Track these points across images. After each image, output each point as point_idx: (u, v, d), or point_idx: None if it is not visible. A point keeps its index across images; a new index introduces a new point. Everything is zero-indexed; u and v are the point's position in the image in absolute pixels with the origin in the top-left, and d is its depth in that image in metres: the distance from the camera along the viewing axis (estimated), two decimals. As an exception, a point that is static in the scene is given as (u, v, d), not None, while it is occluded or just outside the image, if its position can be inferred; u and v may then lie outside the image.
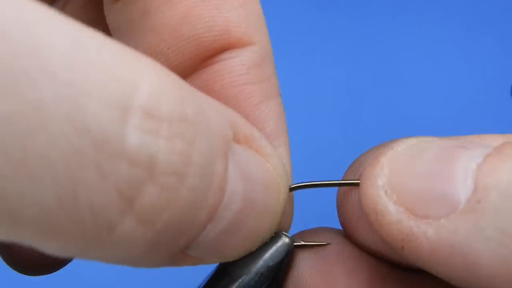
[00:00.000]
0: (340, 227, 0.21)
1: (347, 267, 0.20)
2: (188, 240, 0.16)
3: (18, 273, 0.23)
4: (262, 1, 0.22)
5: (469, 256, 0.14)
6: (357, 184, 0.19)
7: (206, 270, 0.21)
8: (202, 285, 0.20)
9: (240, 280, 0.19)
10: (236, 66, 0.20)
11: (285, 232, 0.20)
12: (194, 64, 0.20)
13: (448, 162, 0.16)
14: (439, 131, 0.48)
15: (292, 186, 0.20)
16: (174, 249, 0.16)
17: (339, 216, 0.21)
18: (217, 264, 0.20)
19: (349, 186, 0.20)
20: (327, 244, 0.20)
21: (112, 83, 0.12)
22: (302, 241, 0.20)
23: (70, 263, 0.23)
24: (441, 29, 0.51)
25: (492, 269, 0.14)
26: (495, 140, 0.16)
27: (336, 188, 0.21)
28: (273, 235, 0.20)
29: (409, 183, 0.16)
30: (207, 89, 0.20)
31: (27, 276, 0.23)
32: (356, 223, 0.20)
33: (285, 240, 0.20)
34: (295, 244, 0.20)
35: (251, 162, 0.17)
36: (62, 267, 0.24)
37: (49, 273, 0.23)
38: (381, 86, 0.48)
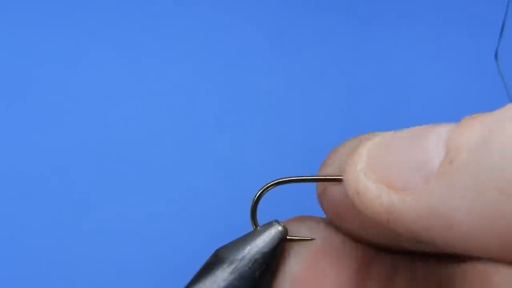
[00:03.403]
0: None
1: (334, 257, 0.20)
2: None
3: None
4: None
5: (447, 215, 0.15)
6: (339, 180, 0.19)
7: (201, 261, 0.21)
8: (197, 273, 0.20)
9: (234, 266, 0.20)
10: None
11: (277, 220, 0.21)
12: None
13: (421, 136, 0.17)
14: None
15: (273, 182, 0.21)
16: None
17: (322, 208, 0.21)
18: (213, 251, 0.21)
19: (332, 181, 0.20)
20: (312, 239, 0.21)
21: None
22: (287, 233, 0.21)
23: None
24: (442, 30, 0.51)
25: (470, 225, 0.15)
26: None
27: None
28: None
29: (385, 161, 0.17)
30: None
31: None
32: (340, 212, 0.20)
33: (278, 227, 0.21)
34: None
35: None
36: None
37: None
38: (382, 87, 0.49)
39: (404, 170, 0.16)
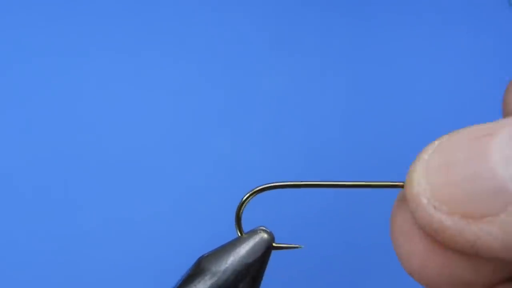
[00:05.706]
0: None
1: None
2: None
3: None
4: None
5: None
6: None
7: (182, 269, 0.21)
8: (179, 284, 0.19)
9: (216, 279, 0.19)
10: None
11: (263, 227, 0.19)
12: None
13: (483, 159, 0.15)
14: (442, 133, 0.47)
15: (257, 188, 0.19)
16: None
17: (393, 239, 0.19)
18: (194, 262, 0.20)
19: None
20: (301, 247, 0.19)
21: None
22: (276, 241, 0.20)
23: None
24: (443, 31, 0.50)
25: None
26: None
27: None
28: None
29: (455, 191, 0.16)
30: None
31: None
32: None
33: (263, 235, 0.19)
34: None
35: None
36: None
37: None
38: (384, 87, 0.48)
39: (479, 197, 0.15)
